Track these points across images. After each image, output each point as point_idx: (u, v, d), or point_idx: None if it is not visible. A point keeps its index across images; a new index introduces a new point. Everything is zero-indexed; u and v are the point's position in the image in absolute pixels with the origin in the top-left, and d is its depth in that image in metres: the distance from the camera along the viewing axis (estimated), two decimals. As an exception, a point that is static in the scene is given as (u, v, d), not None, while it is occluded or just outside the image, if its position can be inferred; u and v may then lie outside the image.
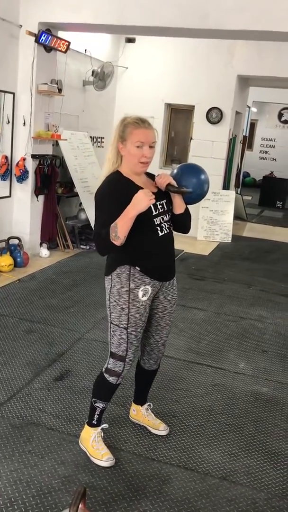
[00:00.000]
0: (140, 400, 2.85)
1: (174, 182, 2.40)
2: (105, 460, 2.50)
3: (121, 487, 2.37)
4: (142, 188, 2.26)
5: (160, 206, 2.36)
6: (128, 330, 2.37)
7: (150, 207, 2.26)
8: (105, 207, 2.25)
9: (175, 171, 2.51)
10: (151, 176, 2.46)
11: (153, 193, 2.28)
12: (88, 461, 2.52)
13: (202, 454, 2.67)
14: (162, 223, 2.36)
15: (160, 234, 2.34)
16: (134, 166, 2.30)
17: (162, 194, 2.40)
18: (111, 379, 2.47)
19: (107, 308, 2.42)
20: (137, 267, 2.31)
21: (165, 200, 2.40)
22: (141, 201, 2.15)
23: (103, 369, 2.51)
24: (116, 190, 2.26)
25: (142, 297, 2.34)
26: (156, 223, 2.33)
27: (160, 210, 2.36)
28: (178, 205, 2.43)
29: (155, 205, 2.32)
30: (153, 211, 2.31)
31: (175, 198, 2.43)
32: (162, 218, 2.36)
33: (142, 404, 2.85)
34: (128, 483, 2.40)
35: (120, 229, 2.15)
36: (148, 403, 2.87)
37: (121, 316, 2.36)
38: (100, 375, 2.52)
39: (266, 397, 3.32)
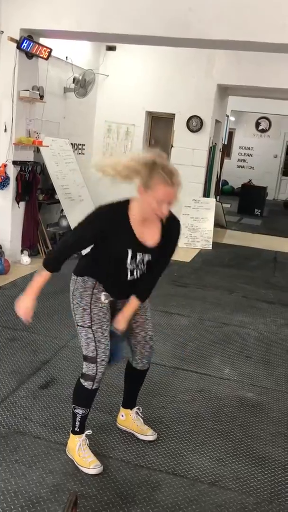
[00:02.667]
0: (130, 403, 2.84)
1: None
2: (93, 468, 2.48)
3: (111, 494, 2.35)
4: (131, 232, 2.27)
5: (140, 257, 2.34)
6: (93, 328, 2.40)
7: (127, 254, 2.30)
8: (83, 227, 2.30)
9: None
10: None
11: (143, 245, 2.30)
12: (77, 469, 2.49)
13: (191, 460, 2.67)
14: (135, 269, 2.36)
15: (129, 277, 2.37)
16: (147, 214, 2.26)
17: (153, 249, 2.34)
18: (86, 384, 2.46)
19: (72, 311, 2.46)
20: (101, 285, 2.39)
21: (149, 255, 2.35)
22: (17, 307, 2.39)
23: (80, 375, 2.51)
24: (105, 219, 2.26)
25: (105, 300, 2.41)
26: (128, 268, 2.35)
27: (138, 261, 2.34)
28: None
29: (133, 255, 2.31)
30: (128, 259, 2.32)
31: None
32: (137, 266, 2.36)
33: (131, 408, 2.84)
34: (118, 491, 2.38)
35: (33, 280, 2.38)
36: (137, 407, 2.86)
37: (83, 316, 2.40)
38: (77, 381, 2.53)
39: (252, 402, 3.34)
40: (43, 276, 2.35)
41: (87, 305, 2.39)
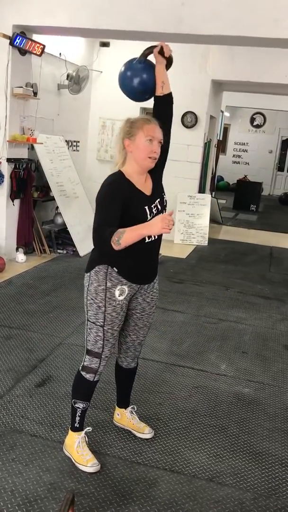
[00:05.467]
0: (123, 402, 2.84)
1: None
2: (90, 466, 2.47)
3: (108, 492, 2.35)
4: (140, 191, 2.30)
5: (155, 209, 2.34)
6: (105, 328, 2.38)
7: (146, 212, 2.28)
8: (105, 206, 2.23)
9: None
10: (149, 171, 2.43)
11: (149, 196, 2.33)
12: (74, 467, 2.49)
13: (188, 456, 2.67)
14: None
15: (147, 240, 2.33)
16: (143, 161, 2.30)
17: (156, 193, 2.39)
18: (88, 376, 2.46)
19: (85, 305, 2.42)
20: (114, 268, 2.32)
21: (158, 199, 2.38)
22: (157, 227, 2.10)
23: (80, 367, 2.50)
24: (117, 190, 2.26)
25: (119, 296, 2.35)
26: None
27: (154, 213, 2.34)
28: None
29: (150, 209, 2.31)
30: (148, 216, 2.30)
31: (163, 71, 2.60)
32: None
33: (125, 407, 2.84)
34: (115, 488, 2.38)
35: (125, 238, 2.13)
36: (132, 406, 2.86)
37: (97, 314, 2.36)
38: (77, 374, 2.52)
39: (248, 397, 3.35)
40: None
41: (102, 302, 2.34)
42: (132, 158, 2.32)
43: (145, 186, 2.38)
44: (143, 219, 2.27)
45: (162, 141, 2.33)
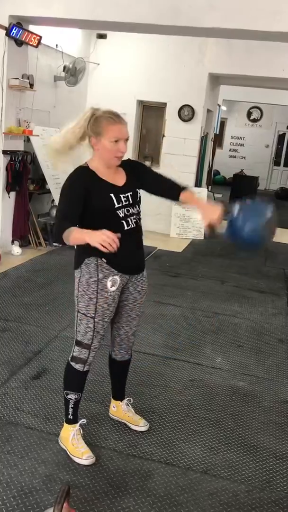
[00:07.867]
0: (118, 395, 2.84)
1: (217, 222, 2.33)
2: (85, 458, 2.48)
3: (103, 484, 2.36)
4: (104, 181, 2.31)
5: (125, 198, 2.35)
6: (95, 320, 2.38)
7: (112, 199, 2.30)
8: (66, 199, 2.27)
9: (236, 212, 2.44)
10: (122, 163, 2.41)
11: (120, 186, 2.34)
12: (69, 459, 2.49)
13: (183, 449, 2.68)
14: (128, 216, 2.35)
15: (126, 227, 2.33)
16: (109, 161, 2.32)
17: (129, 186, 2.39)
18: (78, 366, 2.47)
19: (75, 297, 2.42)
20: (103, 259, 2.32)
21: (130, 193, 2.38)
22: (95, 237, 2.01)
23: (69, 358, 2.51)
24: (77, 180, 2.28)
25: (111, 287, 2.36)
26: (120, 216, 2.32)
27: (124, 203, 2.35)
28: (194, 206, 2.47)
29: (118, 198, 2.32)
30: (115, 203, 2.31)
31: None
32: (127, 210, 2.36)
33: (121, 399, 2.84)
34: (110, 480, 2.39)
35: (72, 239, 2.14)
36: (128, 398, 2.86)
37: (89, 305, 2.37)
38: (67, 365, 2.52)
39: (243, 391, 3.36)
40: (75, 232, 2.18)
41: (94, 294, 2.34)
42: (98, 155, 2.32)
43: (115, 177, 2.37)
44: (110, 206, 2.30)
45: (128, 137, 2.32)
